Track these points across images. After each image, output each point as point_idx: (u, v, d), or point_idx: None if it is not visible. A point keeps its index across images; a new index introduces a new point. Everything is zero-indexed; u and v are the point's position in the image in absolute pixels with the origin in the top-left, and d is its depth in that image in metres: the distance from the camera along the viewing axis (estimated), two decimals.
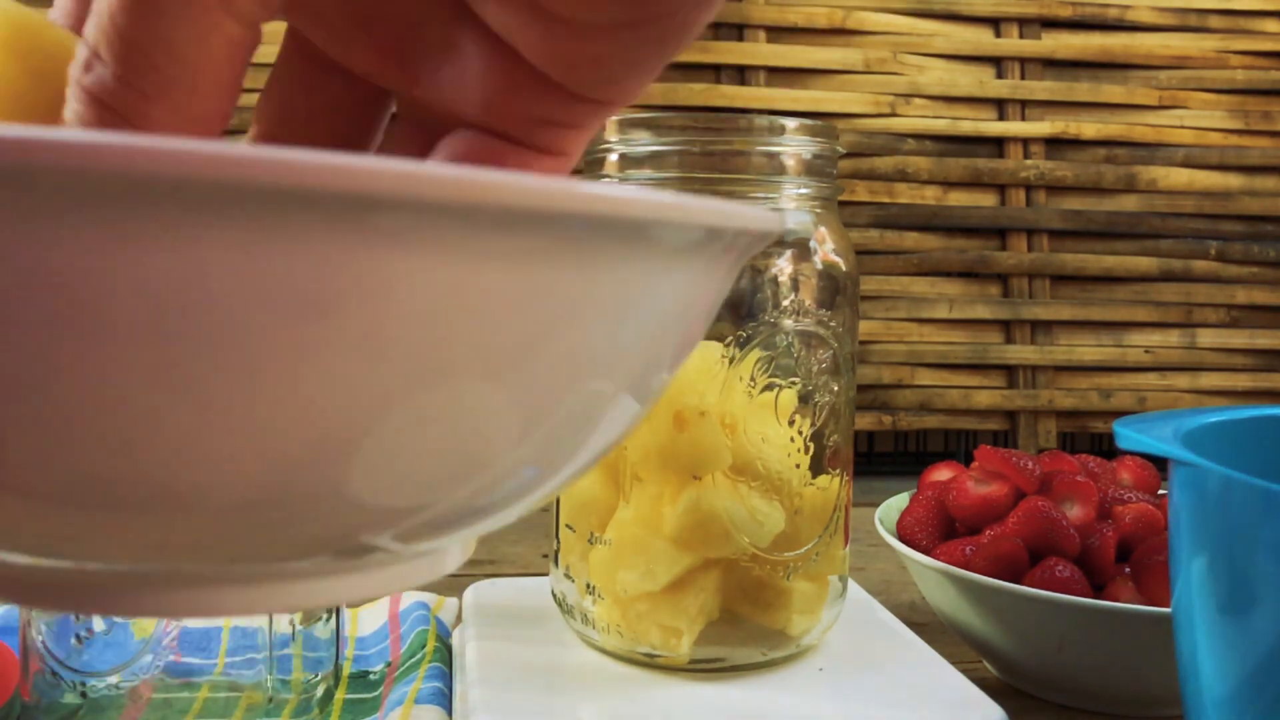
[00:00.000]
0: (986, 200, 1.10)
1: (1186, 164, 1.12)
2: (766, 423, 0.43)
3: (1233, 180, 1.13)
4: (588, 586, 0.45)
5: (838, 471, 0.45)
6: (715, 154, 0.43)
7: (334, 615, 0.47)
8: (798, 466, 0.44)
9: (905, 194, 1.08)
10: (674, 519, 0.42)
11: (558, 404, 0.16)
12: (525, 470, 0.17)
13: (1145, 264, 1.11)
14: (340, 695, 0.48)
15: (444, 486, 0.16)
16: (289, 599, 0.18)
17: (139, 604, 0.17)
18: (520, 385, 0.15)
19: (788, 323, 0.43)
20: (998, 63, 1.11)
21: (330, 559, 0.18)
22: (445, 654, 0.50)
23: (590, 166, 0.46)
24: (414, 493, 0.16)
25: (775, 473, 0.43)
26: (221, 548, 0.16)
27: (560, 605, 0.47)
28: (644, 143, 0.44)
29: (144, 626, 0.43)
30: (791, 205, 0.45)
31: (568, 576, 0.46)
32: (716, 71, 1.06)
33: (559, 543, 0.47)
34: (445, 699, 0.46)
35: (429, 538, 0.18)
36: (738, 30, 1.07)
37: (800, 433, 0.44)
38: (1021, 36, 1.11)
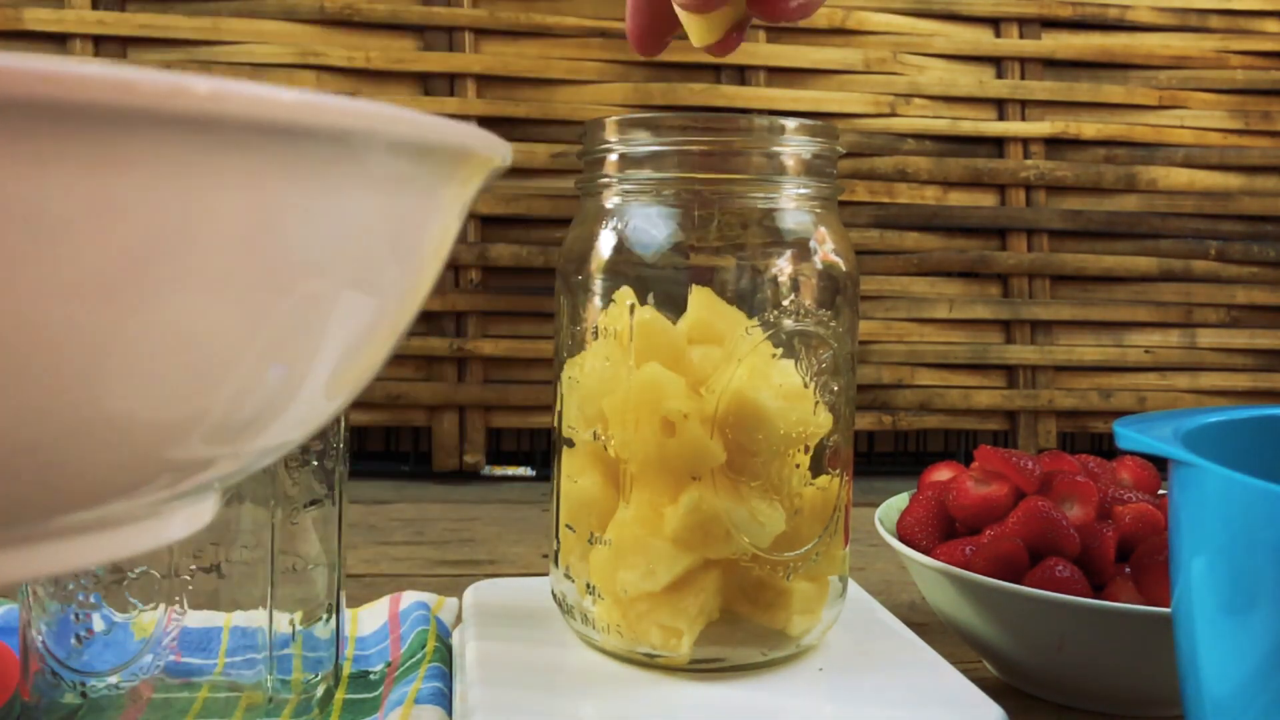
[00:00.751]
0: (986, 200, 1.10)
1: (1186, 164, 1.12)
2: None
3: (1233, 180, 1.13)
4: (588, 586, 0.45)
5: (838, 472, 0.45)
6: (715, 154, 0.43)
7: (334, 615, 0.47)
8: (798, 466, 0.44)
9: (905, 194, 1.08)
10: (675, 519, 0.42)
11: (275, 303, 0.17)
12: (272, 370, 0.18)
13: (1145, 264, 1.11)
14: (340, 695, 0.48)
15: (198, 392, 0.17)
16: (98, 550, 0.19)
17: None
18: (231, 289, 0.16)
19: (787, 323, 0.43)
20: (998, 63, 1.11)
21: (164, 487, 0.19)
22: (445, 654, 0.50)
23: (590, 166, 0.46)
24: (173, 403, 0.17)
25: (776, 470, 0.43)
26: (40, 496, 0.17)
27: (560, 605, 0.47)
28: (643, 143, 0.44)
29: (144, 626, 0.43)
30: (792, 205, 0.45)
31: (568, 576, 0.46)
32: (716, 71, 1.06)
33: (559, 543, 0.47)
34: (445, 699, 0.46)
35: (234, 442, 0.19)
36: None
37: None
38: (1021, 36, 1.11)
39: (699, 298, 0.43)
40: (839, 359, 0.44)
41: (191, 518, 0.21)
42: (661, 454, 0.42)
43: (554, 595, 0.48)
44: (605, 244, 0.45)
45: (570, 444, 0.45)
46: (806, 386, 0.43)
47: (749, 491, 0.42)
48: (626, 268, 0.44)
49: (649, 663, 0.44)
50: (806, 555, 0.44)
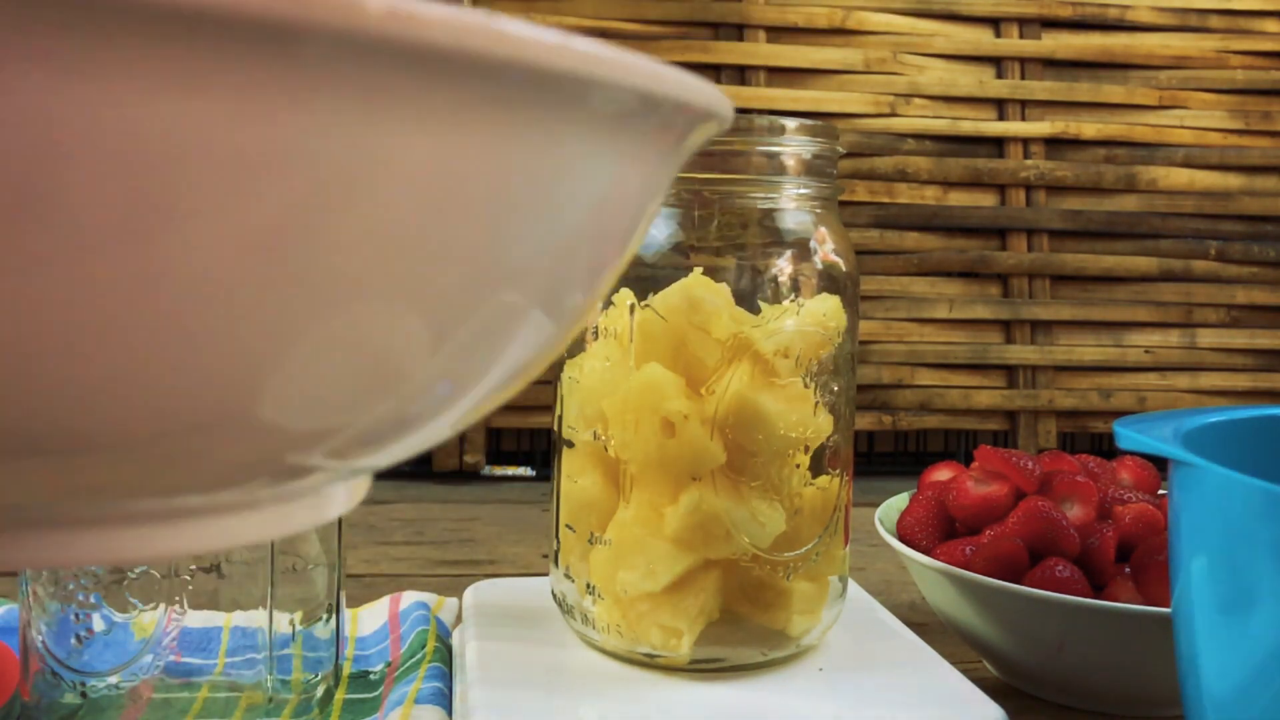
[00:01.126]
0: (986, 200, 1.10)
1: (1186, 164, 1.12)
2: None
3: (1233, 180, 1.13)
4: (588, 586, 0.45)
5: (837, 472, 0.45)
6: (715, 154, 0.43)
7: (334, 615, 0.47)
8: (798, 467, 0.44)
9: (905, 194, 1.08)
10: (675, 519, 0.42)
11: (469, 314, 0.15)
12: (439, 386, 0.16)
13: (1145, 264, 1.11)
14: (340, 695, 0.48)
15: (360, 403, 0.15)
16: (218, 537, 0.17)
17: (75, 549, 0.16)
18: (428, 292, 0.14)
19: (788, 323, 0.43)
20: (998, 63, 1.11)
21: (264, 485, 0.17)
22: (445, 654, 0.50)
23: None
24: (328, 411, 0.15)
25: (776, 471, 0.43)
26: (151, 480, 0.15)
27: (560, 605, 0.47)
28: None
29: (144, 626, 0.43)
30: (792, 205, 0.45)
31: (568, 576, 0.46)
32: (717, 71, 1.06)
33: (559, 543, 0.47)
34: (445, 699, 0.46)
35: (355, 455, 0.17)
36: (738, 30, 1.07)
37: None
38: (1021, 36, 1.11)
39: (700, 284, 0.43)
40: (839, 359, 0.44)
41: (348, 496, 0.20)
42: (662, 454, 0.42)
43: (554, 595, 0.48)
44: None
45: (570, 445, 0.45)
46: (806, 387, 0.43)
47: (749, 492, 0.43)
48: (626, 268, 0.44)
49: (649, 663, 0.44)
50: (806, 555, 0.44)
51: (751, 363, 0.43)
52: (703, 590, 0.43)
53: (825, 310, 0.44)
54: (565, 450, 0.46)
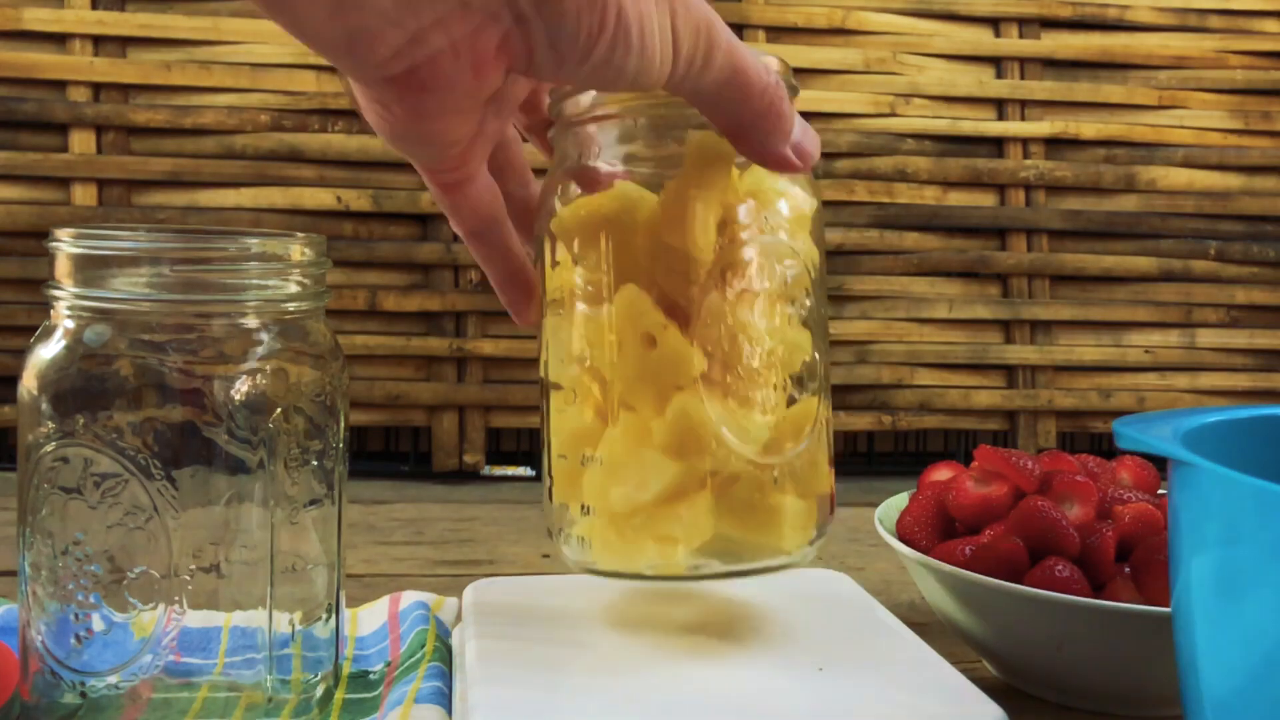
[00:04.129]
0: (986, 200, 1.10)
1: (1186, 164, 1.12)
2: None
3: (1233, 180, 1.13)
4: (583, 508, 0.44)
5: (815, 387, 0.46)
6: None
7: (334, 615, 0.47)
8: (775, 381, 0.44)
9: (905, 194, 1.09)
10: (662, 429, 0.42)
11: None
12: None
13: (1145, 264, 1.11)
14: (340, 695, 0.48)
15: None
16: None
17: None
18: None
19: (761, 236, 0.44)
20: (997, 63, 1.11)
21: None
22: (445, 654, 0.50)
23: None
24: None
25: (756, 380, 0.44)
26: None
27: (554, 538, 0.47)
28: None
29: (144, 626, 0.43)
30: None
31: (563, 506, 0.46)
32: None
33: (551, 479, 0.46)
34: (445, 699, 0.46)
35: None
36: (738, 30, 1.07)
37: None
38: (1021, 36, 1.11)
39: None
40: (809, 272, 0.45)
41: None
42: (643, 367, 0.42)
43: (549, 533, 0.47)
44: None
45: (557, 386, 0.46)
46: (776, 302, 0.44)
47: (733, 400, 0.43)
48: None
49: (650, 576, 0.44)
50: (792, 462, 0.44)
51: (724, 274, 0.43)
52: (694, 505, 0.43)
53: (788, 224, 0.44)
54: (553, 392, 0.46)
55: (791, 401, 0.45)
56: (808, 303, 0.45)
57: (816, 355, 0.46)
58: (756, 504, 0.44)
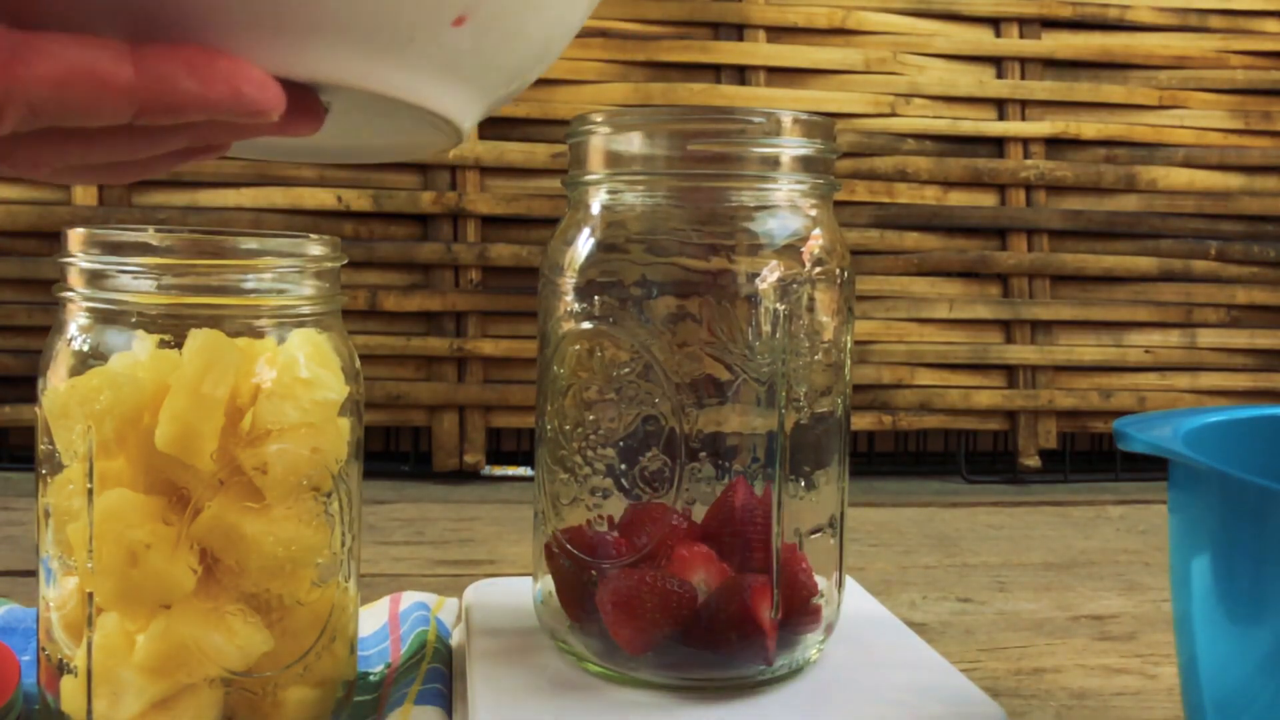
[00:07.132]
0: (986, 200, 1.10)
1: (1186, 164, 1.12)
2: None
3: (1233, 180, 1.13)
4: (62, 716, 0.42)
5: (334, 578, 0.43)
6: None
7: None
8: (281, 596, 0.42)
9: (905, 194, 1.08)
10: (143, 647, 0.40)
11: None
12: None
13: (1145, 264, 1.11)
14: None
15: None
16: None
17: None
18: None
19: (272, 447, 0.41)
20: (998, 63, 1.11)
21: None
22: (445, 654, 0.50)
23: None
24: None
25: (267, 588, 0.41)
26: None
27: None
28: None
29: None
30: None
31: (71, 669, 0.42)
32: (716, 71, 1.06)
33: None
34: (445, 700, 0.46)
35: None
36: (738, 30, 1.07)
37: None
38: (1021, 36, 1.11)
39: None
40: (332, 466, 0.42)
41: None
42: (128, 586, 0.40)
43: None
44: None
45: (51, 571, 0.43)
46: (292, 506, 0.41)
47: (228, 614, 0.41)
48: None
49: None
50: (294, 670, 0.42)
51: (233, 483, 0.40)
52: (189, 710, 0.41)
53: (316, 432, 0.42)
54: (57, 578, 0.43)
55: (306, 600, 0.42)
56: (329, 497, 0.43)
57: (342, 544, 0.43)
58: (257, 704, 0.42)
